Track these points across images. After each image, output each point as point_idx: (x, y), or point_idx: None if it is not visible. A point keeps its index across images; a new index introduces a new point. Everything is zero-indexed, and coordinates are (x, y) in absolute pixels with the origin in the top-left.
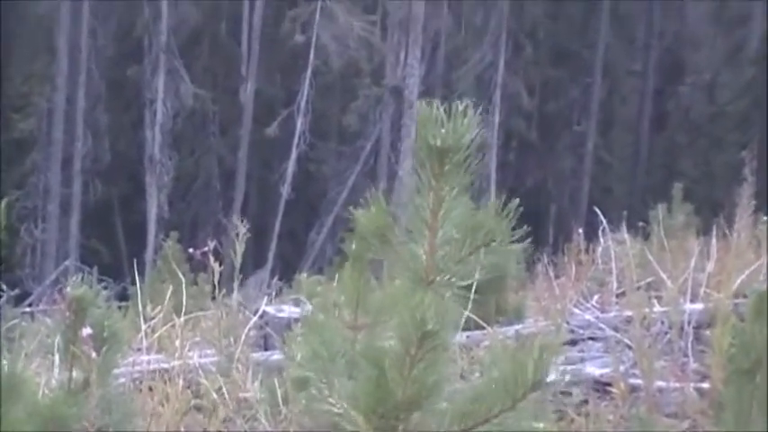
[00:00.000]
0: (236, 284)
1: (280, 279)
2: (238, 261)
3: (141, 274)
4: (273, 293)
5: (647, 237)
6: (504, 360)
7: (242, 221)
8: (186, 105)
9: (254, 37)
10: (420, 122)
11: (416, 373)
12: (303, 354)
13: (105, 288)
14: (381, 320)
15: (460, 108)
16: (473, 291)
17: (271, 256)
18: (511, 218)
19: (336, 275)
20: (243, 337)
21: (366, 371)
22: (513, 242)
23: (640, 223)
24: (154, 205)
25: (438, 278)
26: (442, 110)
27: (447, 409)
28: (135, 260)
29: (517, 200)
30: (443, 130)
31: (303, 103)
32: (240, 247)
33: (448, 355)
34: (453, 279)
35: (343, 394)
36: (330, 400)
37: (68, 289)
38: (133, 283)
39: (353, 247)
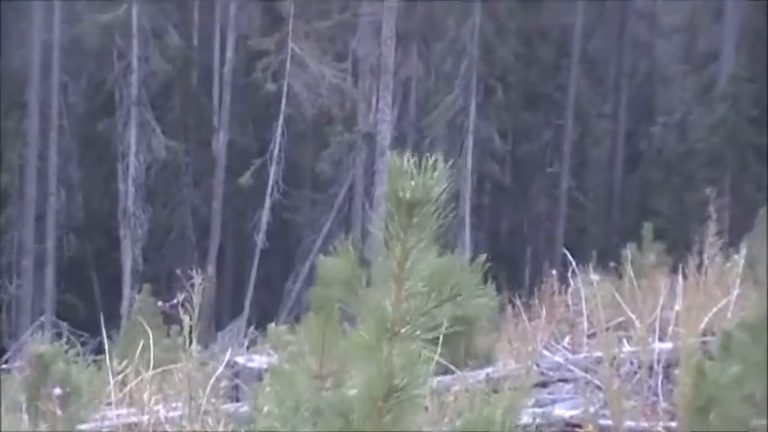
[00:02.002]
0: (194, 335)
1: (256, 328)
2: (196, 312)
3: (117, 327)
4: (246, 343)
5: (620, 276)
6: (471, 411)
7: (201, 272)
8: (159, 158)
9: (226, 87)
10: (390, 174)
11: (383, 425)
12: (268, 405)
13: (82, 343)
14: (346, 370)
15: (431, 161)
16: (442, 335)
17: (247, 305)
18: (479, 271)
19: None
20: (209, 388)
21: (332, 422)
22: (480, 296)
23: (612, 263)
24: (129, 258)
25: (403, 330)
26: (412, 162)
27: None
28: (108, 314)
29: (484, 256)
30: (413, 183)
31: (276, 152)
32: (198, 299)
33: (415, 406)
34: (418, 332)
35: None
36: None
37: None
38: (109, 337)
39: (318, 294)
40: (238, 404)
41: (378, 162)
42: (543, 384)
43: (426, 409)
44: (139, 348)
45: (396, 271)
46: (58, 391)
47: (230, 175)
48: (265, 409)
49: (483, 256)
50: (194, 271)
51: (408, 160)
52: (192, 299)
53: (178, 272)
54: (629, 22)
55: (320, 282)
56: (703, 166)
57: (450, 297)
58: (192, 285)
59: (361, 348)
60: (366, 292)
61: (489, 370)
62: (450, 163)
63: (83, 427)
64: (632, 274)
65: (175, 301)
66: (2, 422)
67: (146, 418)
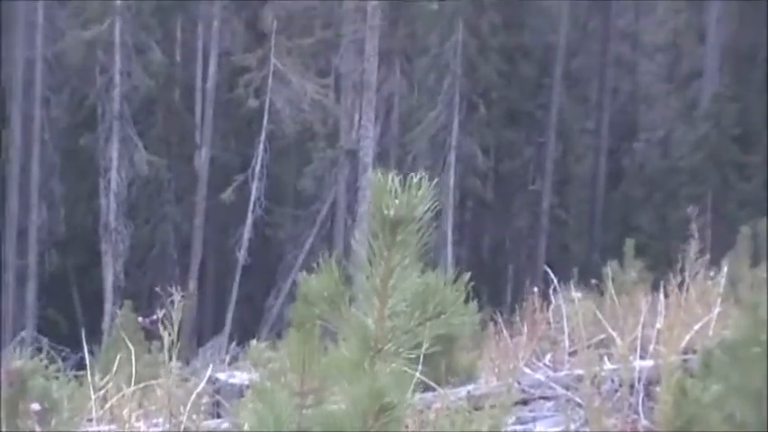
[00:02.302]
0: (174, 352)
1: (238, 344)
2: (176, 328)
3: (98, 343)
4: (227, 359)
5: (601, 294)
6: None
7: (180, 289)
8: (141, 173)
9: (208, 103)
10: (374, 192)
11: None
12: (248, 423)
13: (63, 358)
14: (327, 387)
15: (415, 179)
16: (422, 353)
17: (228, 321)
18: (461, 290)
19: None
20: (189, 405)
21: None
22: (463, 314)
23: (593, 281)
24: (110, 274)
25: (386, 347)
26: (396, 180)
27: None
28: (89, 330)
29: (468, 274)
30: (397, 201)
31: (258, 168)
32: (177, 315)
33: (400, 424)
34: (401, 349)
35: None
36: None
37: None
38: (91, 352)
39: (299, 311)
40: (219, 420)
41: (360, 178)
42: (524, 402)
43: (407, 426)
44: (120, 364)
45: (379, 289)
46: (36, 406)
47: (212, 191)
48: (246, 426)
49: (467, 275)
50: (175, 287)
51: (393, 178)
52: (172, 315)
53: (158, 289)
54: (611, 41)
55: (302, 299)
56: (685, 183)
57: (434, 315)
58: (173, 302)
59: (344, 366)
60: (349, 310)
61: (471, 387)
62: (435, 181)
63: None
64: (613, 291)
65: (156, 317)
66: None
67: None
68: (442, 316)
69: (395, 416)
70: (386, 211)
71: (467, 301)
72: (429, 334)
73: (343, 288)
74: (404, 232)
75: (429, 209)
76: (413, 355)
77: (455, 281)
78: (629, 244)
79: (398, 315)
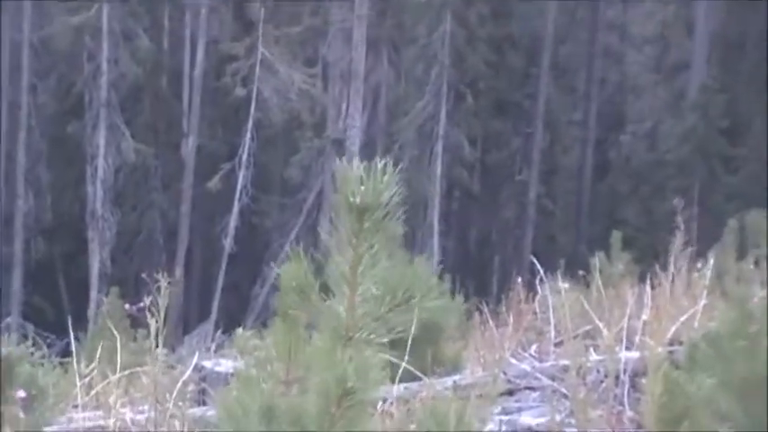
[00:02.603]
0: (161, 339)
1: (224, 332)
2: (162, 315)
3: (84, 330)
4: (213, 347)
5: (587, 285)
6: (426, 415)
7: (167, 276)
8: (128, 161)
9: (195, 91)
10: (339, 180)
11: (337, 430)
12: (222, 411)
13: (49, 345)
14: (310, 376)
15: (380, 165)
16: (409, 342)
17: (214, 309)
18: (434, 274)
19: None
20: (175, 392)
21: (283, 429)
22: (435, 299)
23: (580, 272)
24: (96, 261)
25: (357, 335)
26: (361, 167)
27: None
28: (75, 317)
29: (437, 259)
30: (362, 188)
31: (245, 157)
32: (164, 302)
33: (368, 412)
34: (373, 336)
35: None
36: None
37: None
38: (77, 339)
39: (283, 300)
40: (205, 408)
41: None
42: (510, 392)
43: (392, 416)
44: (105, 351)
45: (348, 276)
46: (21, 393)
47: (199, 179)
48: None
49: (437, 260)
50: (161, 274)
51: (358, 165)
52: (159, 302)
53: (144, 276)
54: (599, 31)
55: (281, 290)
56: (672, 175)
57: (403, 301)
58: (159, 288)
59: (318, 355)
60: (319, 299)
61: (456, 377)
62: (400, 166)
63: (48, 429)
64: (600, 282)
65: (142, 304)
66: None
67: (112, 421)
68: (412, 301)
69: (357, 400)
70: (351, 199)
71: (453, 289)
72: (408, 320)
73: (311, 278)
74: (370, 219)
75: (395, 194)
76: (385, 341)
77: (426, 267)
78: (617, 236)
79: (368, 302)
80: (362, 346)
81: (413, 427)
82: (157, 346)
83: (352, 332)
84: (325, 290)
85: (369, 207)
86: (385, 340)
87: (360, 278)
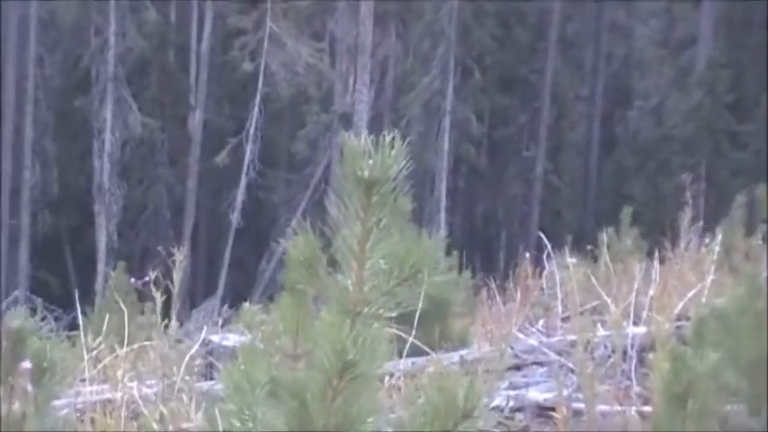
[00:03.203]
0: (173, 313)
1: (230, 307)
2: (176, 289)
3: (91, 304)
4: (220, 322)
5: (594, 260)
6: (433, 390)
7: (181, 249)
8: (135, 134)
9: (203, 65)
10: (347, 154)
11: (338, 405)
12: (226, 385)
13: (55, 319)
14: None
15: (388, 139)
16: (417, 318)
17: (221, 284)
18: (442, 249)
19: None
20: (183, 366)
21: (287, 402)
22: (443, 273)
23: (589, 247)
24: (103, 235)
25: (365, 309)
26: (369, 141)
27: None
28: (82, 291)
29: (443, 232)
30: (371, 162)
31: (252, 131)
32: (177, 275)
33: (373, 385)
34: (381, 310)
35: (265, 426)
36: None
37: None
38: (84, 313)
39: (287, 277)
40: (212, 382)
41: None
42: (517, 367)
43: (400, 389)
44: (113, 325)
45: (356, 251)
46: (28, 365)
47: (206, 154)
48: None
49: (443, 233)
50: (172, 248)
51: (365, 139)
52: (165, 276)
53: (160, 249)
54: (606, 5)
55: (288, 264)
56: (679, 151)
57: (411, 275)
58: (173, 262)
59: (325, 329)
60: (327, 274)
61: (463, 352)
62: (408, 141)
63: (56, 402)
64: (608, 258)
65: (148, 278)
66: None
67: (120, 394)
68: (419, 275)
69: (359, 374)
70: (359, 173)
71: (460, 264)
72: (410, 294)
73: (319, 252)
74: (378, 193)
75: (403, 168)
76: (393, 315)
77: (433, 242)
78: (626, 211)
79: (377, 276)
80: (370, 320)
81: (420, 401)
82: (171, 320)
83: (360, 306)
84: (333, 264)
85: (377, 181)
86: (393, 315)
87: (368, 252)
